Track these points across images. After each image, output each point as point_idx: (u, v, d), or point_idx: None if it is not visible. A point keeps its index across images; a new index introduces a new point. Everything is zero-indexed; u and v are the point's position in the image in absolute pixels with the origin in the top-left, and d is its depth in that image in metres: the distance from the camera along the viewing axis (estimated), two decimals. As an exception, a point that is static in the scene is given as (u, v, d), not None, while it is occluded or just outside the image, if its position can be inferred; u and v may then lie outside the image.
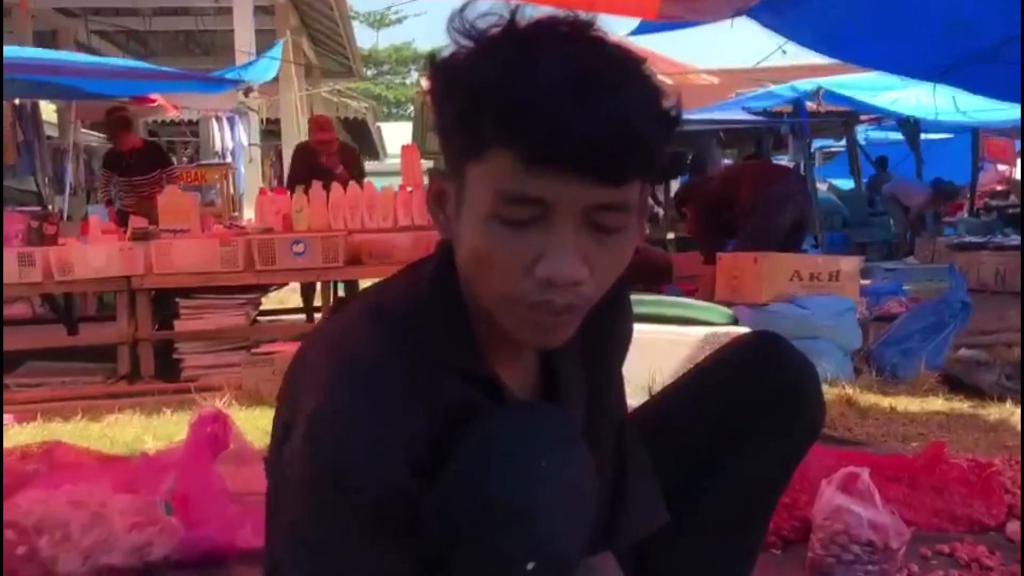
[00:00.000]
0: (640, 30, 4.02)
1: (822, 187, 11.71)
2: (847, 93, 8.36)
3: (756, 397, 1.15)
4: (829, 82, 8.28)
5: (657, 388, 3.29)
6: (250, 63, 8.07)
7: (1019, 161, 13.37)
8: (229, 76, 7.61)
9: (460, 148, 0.88)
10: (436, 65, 0.89)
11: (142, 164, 5.82)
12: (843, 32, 3.58)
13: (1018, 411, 3.16)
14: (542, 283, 0.85)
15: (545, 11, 0.88)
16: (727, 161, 10.58)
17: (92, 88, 6.67)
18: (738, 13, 3.35)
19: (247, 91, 8.81)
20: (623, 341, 1.17)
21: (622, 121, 0.81)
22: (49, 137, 9.93)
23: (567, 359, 1.04)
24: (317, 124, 6.35)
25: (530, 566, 0.84)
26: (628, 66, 0.85)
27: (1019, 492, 2.16)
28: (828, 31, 3.60)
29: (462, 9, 0.87)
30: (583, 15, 0.88)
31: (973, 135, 11.47)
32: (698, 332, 3.57)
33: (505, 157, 0.83)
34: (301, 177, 5.27)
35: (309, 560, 0.90)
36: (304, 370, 0.95)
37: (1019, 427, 2.94)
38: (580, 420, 1.04)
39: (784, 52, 5.34)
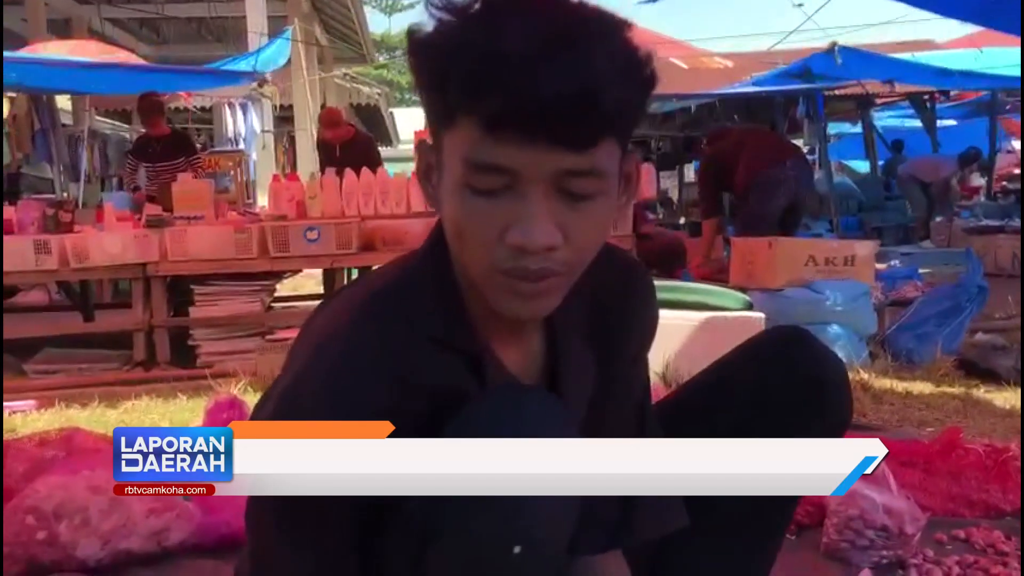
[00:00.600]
0: None
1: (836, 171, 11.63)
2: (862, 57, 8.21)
3: (783, 392, 1.13)
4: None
5: (670, 374, 3.30)
6: (261, 48, 8.09)
7: (1019, 147, 13.22)
8: (242, 67, 7.65)
9: (434, 118, 0.88)
10: (411, 36, 0.88)
11: (169, 151, 5.86)
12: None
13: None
14: (514, 250, 0.85)
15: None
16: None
17: (106, 86, 6.72)
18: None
19: (261, 83, 8.86)
20: (644, 327, 1.14)
21: (582, 84, 0.79)
22: (64, 124, 9.97)
23: (574, 343, 1.03)
24: (326, 120, 6.35)
25: (516, 550, 0.83)
26: (594, 27, 0.83)
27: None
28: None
29: None
30: None
31: (991, 117, 11.35)
32: (712, 317, 3.56)
33: (470, 125, 0.82)
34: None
35: (251, 540, 0.94)
36: (292, 350, 0.97)
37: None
38: (583, 406, 1.03)
39: (801, 4, 5.24)
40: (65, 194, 9.36)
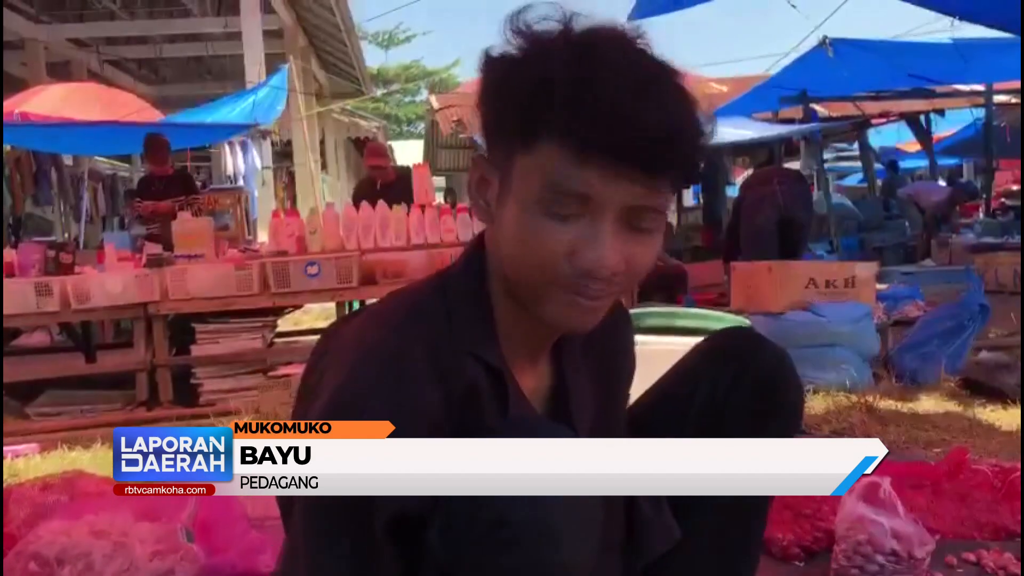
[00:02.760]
0: (640, 12, 3.92)
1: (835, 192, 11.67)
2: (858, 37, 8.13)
3: (735, 391, 1.15)
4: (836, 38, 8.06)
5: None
6: (257, 89, 8.22)
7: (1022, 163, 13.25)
8: (241, 107, 7.87)
9: (510, 139, 0.91)
10: (491, 58, 0.93)
11: (170, 190, 5.88)
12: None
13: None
14: (580, 272, 0.90)
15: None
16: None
17: (105, 146, 6.86)
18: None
19: (264, 134, 9.05)
20: (630, 357, 1.20)
21: (669, 124, 0.87)
22: (65, 165, 10.05)
23: (577, 372, 1.07)
24: (371, 150, 6.38)
25: None
26: (674, 76, 0.91)
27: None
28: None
29: (519, 11, 0.92)
30: (630, 26, 0.93)
31: (986, 131, 11.39)
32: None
33: (555, 150, 0.88)
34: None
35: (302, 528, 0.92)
36: (328, 359, 0.97)
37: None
38: (586, 433, 1.06)
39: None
40: (67, 235, 9.42)
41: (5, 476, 2.94)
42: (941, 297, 5.47)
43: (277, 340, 5.07)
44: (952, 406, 3.37)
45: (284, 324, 5.61)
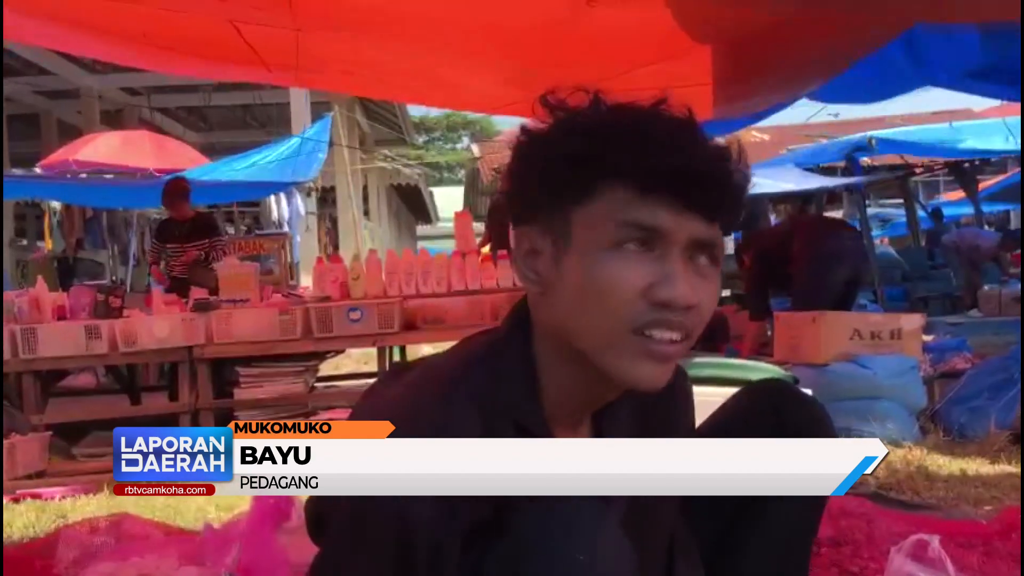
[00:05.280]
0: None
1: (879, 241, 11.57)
2: (900, 138, 8.27)
3: None
4: (881, 134, 8.21)
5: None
6: (296, 148, 8.51)
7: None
8: (282, 174, 8.21)
9: (561, 197, 0.94)
10: (528, 130, 0.98)
11: (193, 234, 5.95)
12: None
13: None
14: (658, 305, 0.91)
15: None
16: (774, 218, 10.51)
17: (152, 200, 7.12)
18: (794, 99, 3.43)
19: (308, 191, 9.32)
20: (684, 427, 1.18)
21: (725, 161, 0.93)
22: (115, 210, 10.30)
23: (618, 434, 1.06)
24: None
25: None
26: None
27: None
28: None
29: (553, 89, 0.98)
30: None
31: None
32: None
33: (618, 192, 0.92)
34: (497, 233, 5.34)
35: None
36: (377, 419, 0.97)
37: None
38: (624, 503, 1.04)
39: (836, 116, 5.40)
40: (115, 277, 9.61)
41: (52, 516, 2.99)
42: (989, 349, 5.36)
43: (319, 384, 5.11)
44: (1003, 462, 3.29)
45: (326, 368, 5.66)
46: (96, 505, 3.13)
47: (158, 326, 4.31)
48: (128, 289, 8.71)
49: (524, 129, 0.98)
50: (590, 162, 0.92)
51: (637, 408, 1.07)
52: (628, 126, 0.93)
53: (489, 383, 0.96)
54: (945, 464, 3.26)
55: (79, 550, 2.05)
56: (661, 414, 1.10)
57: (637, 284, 0.92)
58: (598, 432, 1.05)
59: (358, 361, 7.22)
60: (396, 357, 5.33)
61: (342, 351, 5.58)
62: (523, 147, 0.98)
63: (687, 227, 0.92)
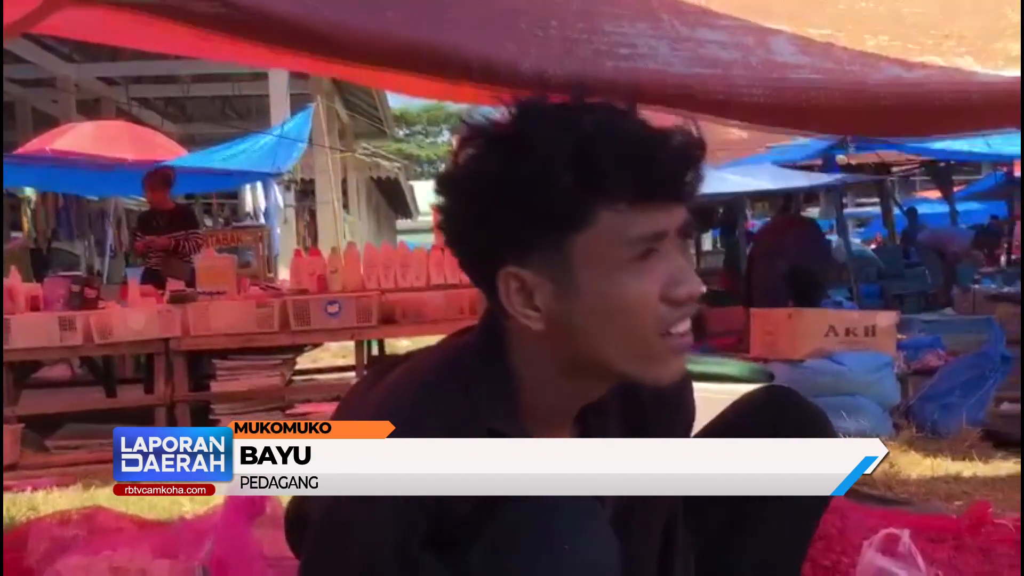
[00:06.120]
0: None
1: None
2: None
3: None
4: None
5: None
6: (275, 139, 8.45)
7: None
8: (261, 163, 8.40)
9: (555, 230, 0.93)
10: (487, 173, 0.97)
11: (171, 225, 5.90)
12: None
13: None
14: (679, 303, 0.94)
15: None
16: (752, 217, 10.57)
17: (129, 188, 7.03)
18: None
19: (288, 184, 9.25)
20: (681, 425, 1.17)
21: (686, 150, 0.96)
22: (89, 200, 10.19)
23: (604, 435, 1.06)
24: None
25: None
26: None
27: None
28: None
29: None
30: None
31: (1007, 181, 11.34)
32: (731, 390, 3.53)
33: (616, 211, 0.92)
34: None
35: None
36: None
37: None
38: (610, 505, 1.04)
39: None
40: (95, 269, 9.52)
41: (23, 509, 2.96)
42: (962, 346, 5.41)
43: (296, 378, 5.09)
44: (973, 458, 3.33)
45: (303, 361, 5.63)
46: (69, 498, 3.11)
47: (134, 318, 4.27)
48: (105, 280, 8.63)
49: (479, 174, 0.97)
50: (588, 190, 0.92)
51: (631, 405, 1.08)
52: (611, 144, 0.92)
53: (458, 391, 0.96)
54: (917, 460, 3.30)
55: (49, 543, 2.03)
56: (653, 412, 1.09)
57: (656, 291, 0.94)
58: (583, 432, 1.05)
59: (336, 355, 7.19)
60: (374, 351, 5.31)
61: (320, 344, 5.55)
62: (493, 188, 0.95)
63: (676, 217, 0.96)
